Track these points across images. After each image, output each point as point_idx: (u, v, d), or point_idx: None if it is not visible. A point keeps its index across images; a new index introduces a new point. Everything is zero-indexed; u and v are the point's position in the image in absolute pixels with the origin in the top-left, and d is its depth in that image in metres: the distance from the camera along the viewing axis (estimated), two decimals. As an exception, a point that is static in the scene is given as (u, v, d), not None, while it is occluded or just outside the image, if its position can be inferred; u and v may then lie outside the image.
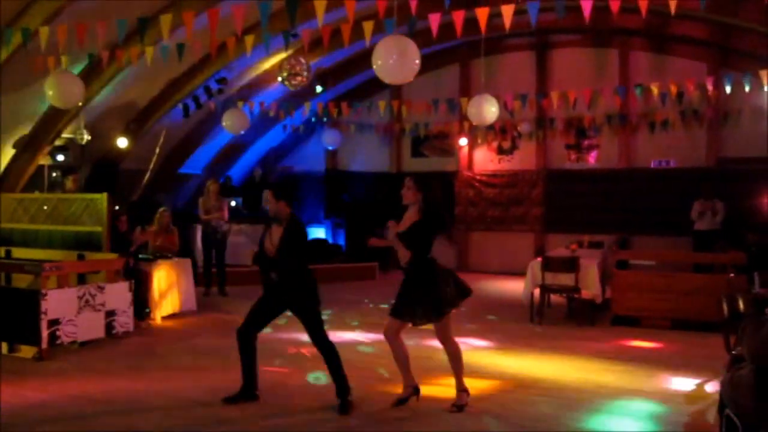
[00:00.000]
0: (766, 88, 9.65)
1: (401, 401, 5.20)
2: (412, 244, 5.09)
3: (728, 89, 10.60)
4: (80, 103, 8.55)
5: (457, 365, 5.21)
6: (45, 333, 6.59)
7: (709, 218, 11.45)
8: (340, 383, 5.18)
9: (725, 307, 5.73)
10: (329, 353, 5.21)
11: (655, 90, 10.73)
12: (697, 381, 6.02)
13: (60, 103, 8.04)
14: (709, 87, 10.70)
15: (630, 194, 13.08)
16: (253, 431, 4.81)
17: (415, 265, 5.09)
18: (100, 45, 8.42)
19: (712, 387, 5.70)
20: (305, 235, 5.42)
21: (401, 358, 5.19)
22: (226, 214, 10.66)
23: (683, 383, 5.95)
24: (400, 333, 5.20)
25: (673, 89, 10.86)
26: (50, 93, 7.79)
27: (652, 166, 13.15)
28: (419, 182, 5.24)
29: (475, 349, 7.30)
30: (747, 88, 10.46)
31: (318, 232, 15.30)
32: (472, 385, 5.80)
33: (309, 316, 5.23)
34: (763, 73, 9.44)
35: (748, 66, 11.06)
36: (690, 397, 5.57)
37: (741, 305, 5.52)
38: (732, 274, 7.89)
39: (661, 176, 12.99)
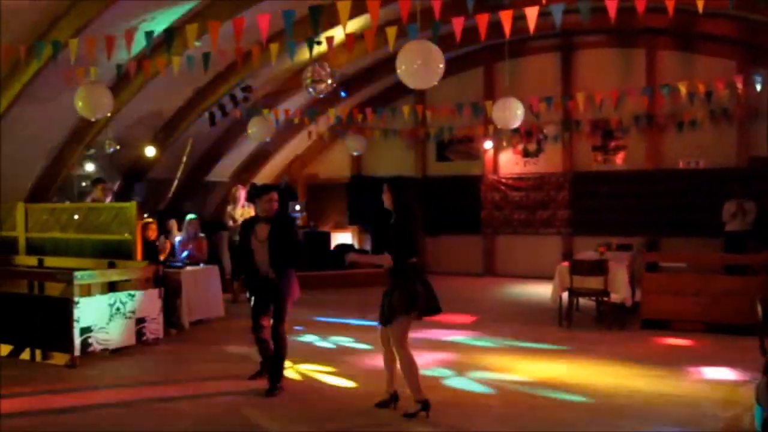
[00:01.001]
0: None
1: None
2: (390, 246, 5.13)
3: (758, 87, 10.42)
4: (109, 114, 8.68)
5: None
6: (77, 340, 6.69)
7: (740, 219, 11.25)
8: (276, 372, 5.76)
9: (759, 309, 5.63)
10: (282, 343, 5.79)
11: (683, 89, 10.58)
12: (732, 385, 5.91)
13: (89, 113, 8.17)
14: (739, 85, 10.53)
15: (659, 195, 12.90)
16: (282, 437, 4.84)
17: (397, 268, 5.11)
18: (127, 56, 8.55)
19: (747, 391, 5.59)
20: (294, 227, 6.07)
21: (392, 363, 5.24)
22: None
23: (717, 388, 5.84)
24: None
25: (701, 88, 10.70)
26: (80, 104, 7.92)
27: (680, 166, 12.96)
28: (393, 186, 5.33)
29: (503, 353, 7.25)
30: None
31: (344, 238, 15.34)
32: (501, 389, 5.78)
33: (282, 306, 5.78)
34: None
35: (779, 63, 10.88)
36: (724, 402, 5.46)
37: (776, 308, 5.42)
38: (765, 275, 7.74)
39: (691, 177, 12.78)
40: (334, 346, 7.68)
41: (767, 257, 8.40)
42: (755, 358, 5.81)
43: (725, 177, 12.12)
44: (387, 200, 5.32)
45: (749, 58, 12.11)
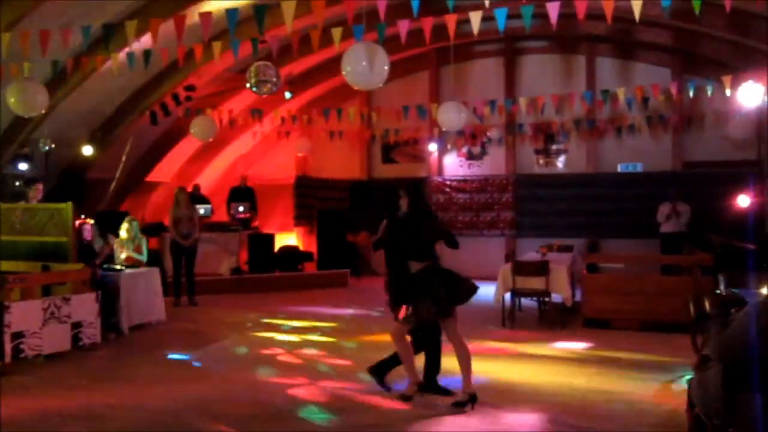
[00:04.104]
0: (728, 93, 9.86)
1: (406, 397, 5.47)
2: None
3: (691, 94, 10.82)
4: (44, 111, 8.40)
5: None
6: (8, 347, 6.42)
7: (674, 221, 11.65)
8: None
9: (692, 308, 5.83)
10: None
11: (621, 95, 10.89)
12: (666, 381, 6.10)
13: (23, 111, 7.89)
14: (674, 92, 10.90)
15: (598, 198, 13.24)
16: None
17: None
18: (64, 52, 8.28)
19: (680, 387, 5.77)
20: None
21: (409, 357, 5.48)
22: (197, 224, 10.55)
23: (653, 384, 6.02)
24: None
25: (639, 94, 11.03)
26: (12, 100, 7.63)
27: (619, 170, 13.34)
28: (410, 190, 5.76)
29: (445, 353, 7.29)
30: (710, 93, 10.68)
31: (288, 239, 15.21)
32: (446, 388, 5.81)
33: None
34: (726, 78, 9.64)
35: (712, 71, 11.31)
36: (661, 398, 5.63)
37: (707, 306, 5.62)
38: (697, 275, 8.02)
39: (629, 180, 13.17)
40: (286, 343, 7.59)
41: (700, 258, 8.71)
42: (689, 354, 6.02)
43: (662, 180, 12.54)
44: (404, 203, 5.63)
45: (684, 66, 12.57)
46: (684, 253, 10.10)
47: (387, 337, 7.70)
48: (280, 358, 7.15)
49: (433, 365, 5.73)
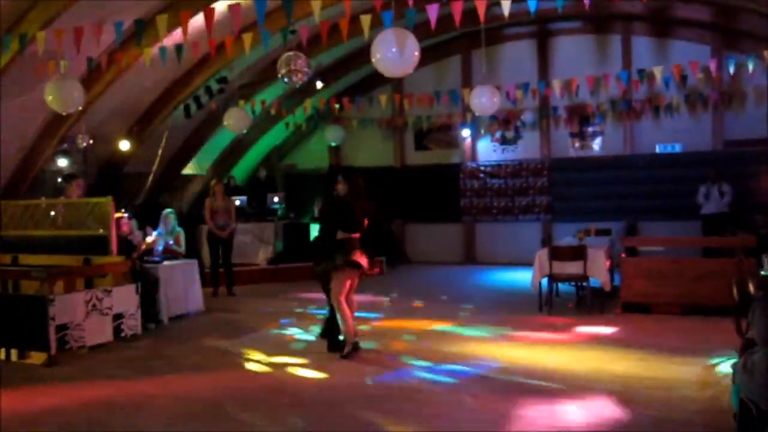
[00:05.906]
0: (770, 69, 9.57)
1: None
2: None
3: (732, 71, 10.51)
4: (81, 108, 8.54)
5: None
6: (53, 338, 6.59)
7: (716, 201, 11.38)
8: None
9: (736, 290, 5.68)
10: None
11: (658, 74, 10.64)
12: (710, 366, 5.97)
13: (60, 108, 8.03)
14: (713, 69, 10.61)
15: (636, 180, 12.99)
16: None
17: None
18: (98, 49, 8.39)
19: (725, 372, 5.65)
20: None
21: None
22: (233, 214, 10.68)
23: (696, 369, 5.90)
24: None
25: (677, 73, 10.77)
26: (50, 98, 7.77)
27: (657, 151, 13.07)
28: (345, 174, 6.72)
29: (485, 339, 7.26)
30: (751, 69, 10.37)
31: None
32: (482, 377, 5.80)
33: None
34: (767, 53, 9.34)
35: (753, 47, 10.97)
36: (704, 383, 5.52)
37: (751, 288, 5.47)
38: (741, 257, 7.82)
39: (668, 161, 12.90)
40: (314, 339, 7.63)
41: (743, 239, 8.49)
42: (733, 339, 5.88)
43: (701, 161, 12.25)
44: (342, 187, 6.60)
45: (723, 42, 12.22)
46: (726, 234, 9.87)
47: (425, 324, 7.72)
48: (316, 347, 7.19)
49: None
